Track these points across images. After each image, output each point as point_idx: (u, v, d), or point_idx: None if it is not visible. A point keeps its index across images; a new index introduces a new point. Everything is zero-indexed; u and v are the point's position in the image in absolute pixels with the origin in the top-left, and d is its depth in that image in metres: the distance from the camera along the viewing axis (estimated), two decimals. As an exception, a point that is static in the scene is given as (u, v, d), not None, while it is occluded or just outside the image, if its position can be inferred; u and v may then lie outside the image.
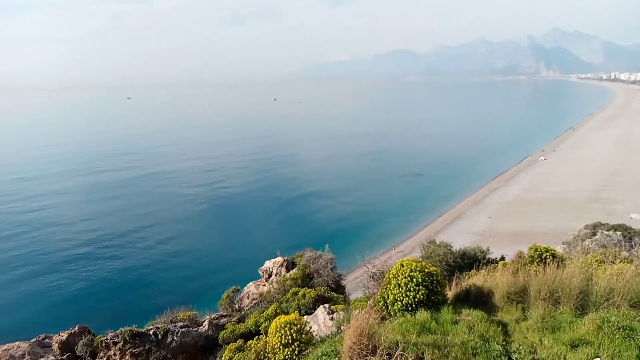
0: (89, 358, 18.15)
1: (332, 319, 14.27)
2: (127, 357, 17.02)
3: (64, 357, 18.17)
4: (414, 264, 10.57)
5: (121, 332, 17.23)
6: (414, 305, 9.92)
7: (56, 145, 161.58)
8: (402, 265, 10.66)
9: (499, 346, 8.00)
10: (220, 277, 49.71)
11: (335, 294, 19.33)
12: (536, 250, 12.45)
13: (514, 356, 7.69)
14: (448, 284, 12.38)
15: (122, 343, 17.14)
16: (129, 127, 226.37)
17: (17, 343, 39.52)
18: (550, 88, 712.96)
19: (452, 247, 18.05)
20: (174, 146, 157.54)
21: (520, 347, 8.02)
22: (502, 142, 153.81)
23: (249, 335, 16.58)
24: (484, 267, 14.41)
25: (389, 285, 10.51)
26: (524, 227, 63.80)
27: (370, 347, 7.79)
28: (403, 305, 9.99)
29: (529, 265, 11.71)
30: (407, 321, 9.30)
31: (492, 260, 17.76)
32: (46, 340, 38.98)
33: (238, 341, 15.67)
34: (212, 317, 19.03)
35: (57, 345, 18.67)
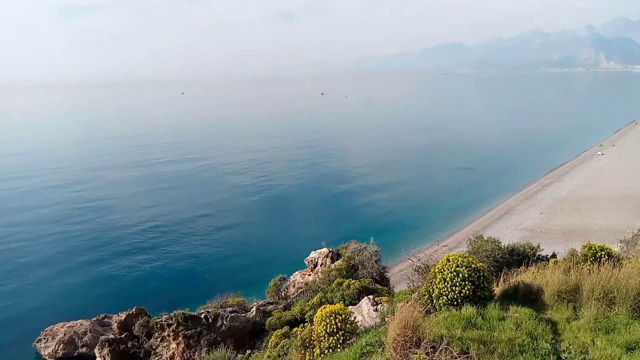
0: (144, 337, 19.25)
1: (376, 310, 14.40)
2: (180, 338, 17.92)
3: (122, 335, 19.35)
4: (460, 259, 10.50)
5: (175, 314, 18.14)
6: (459, 300, 9.87)
7: (120, 138, 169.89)
8: (448, 259, 10.62)
9: (548, 345, 7.84)
10: (267, 266, 51.10)
11: (379, 286, 19.43)
12: (590, 248, 12.00)
13: (563, 355, 7.53)
14: (495, 280, 12.19)
15: (175, 325, 18.05)
16: (185, 121, 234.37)
17: (80, 321, 42.49)
18: (611, 80, 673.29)
19: (500, 242, 17.64)
20: (226, 139, 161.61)
21: (571, 347, 7.83)
22: (556, 137, 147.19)
23: (294, 323, 17.02)
24: (534, 265, 14.01)
25: (434, 280, 10.50)
26: (577, 224, 61.03)
27: (414, 339, 7.86)
28: (448, 299, 9.97)
29: (582, 263, 11.32)
30: (452, 316, 9.28)
31: (543, 257, 17.22)
32: (106, 319, 41.65)
33: (284, 328, 16.13)
34: (259, 304, 19.66)
35: (116, 324, 19.91)
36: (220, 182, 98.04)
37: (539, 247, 18.04)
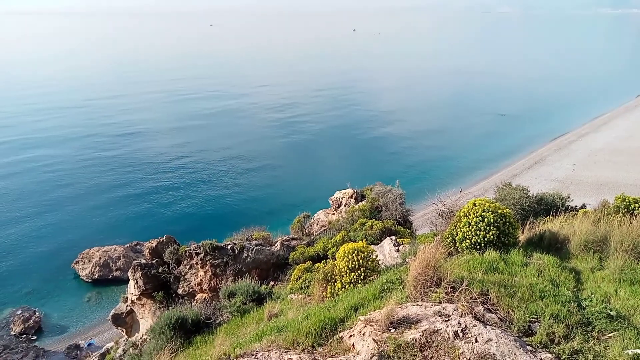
0: (174, 264, 20.26)
1: (397, 250, 14.61)
2: (207, 267, 18.77)
3: (153, 261, 20.39)
4: (486, 204, 10.38)
5: (203, 244, 18.90)
6: (482, 245, 9.87)
7: (148, 71, 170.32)
8: (474, 204, 10.52)
9: (569, 292, 7.83)
10: (292, 204, 52.35)
11: (402, 228, 19.61)
12: (623, 200, 11.63)
13: (584, 303, 7.53)
14: (521, 227, 12.07)
15: (203, 254, 18.86)
16: (214, 56, 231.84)
17: (114, 247, 44.97)
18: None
19: (528, 191, 17.32)
20: (255, 76, 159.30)
21: (593, 296, 7.80)
22: (597, 85, 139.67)
23: (317, 258, 17.53)
24: (562, 214, 13.75)
25: (459, 223, 10.48)
26: (612, 177, 59.22)
27: (435, 279, 7.98)
28: (471, 243, 9.97)
29: (614, 215, 11.05)
30: (474, 259, 9.32)
31: (572, 208, 16.87)
32: (138, 246, 43.89)
33: (307, 262, 16.64)
34: (283, 239, 20.24)
35: (147, 250, 20.92)
36: (248, 120, 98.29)
37: (568, 197, 17.63)
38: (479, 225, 9.95)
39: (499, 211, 10.22)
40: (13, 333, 36.08)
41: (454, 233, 10.47)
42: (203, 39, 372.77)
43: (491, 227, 9.90)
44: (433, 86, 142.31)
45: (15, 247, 47.05)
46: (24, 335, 35.92)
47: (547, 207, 16.47)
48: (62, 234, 49.78)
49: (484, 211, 10.14)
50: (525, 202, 16.60)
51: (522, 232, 11.92)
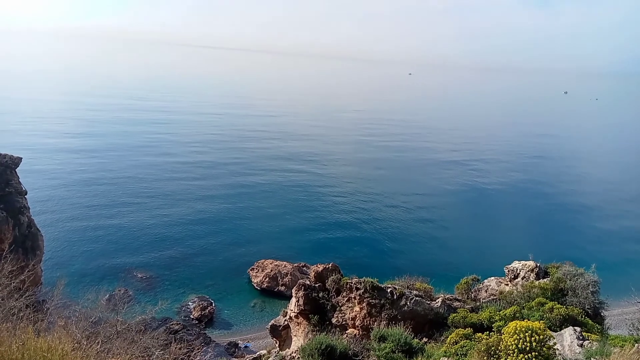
0: (333, 293, 20.87)
1: (581, 345, 12.44)
2: (364, 304, 18.84)
3: (316, 285, 21.33)
4: None
5: (364, 281, 19.10)
6: None
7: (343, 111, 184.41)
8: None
9: None
10: (461, 262, 49.88)
11: (590, 321, 16.70)
12: None
13: None
14: None
15: (362, 290, 19.03)
16: (410, 103, 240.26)
17: (284, 263, 48.76)
18: None
19: None
20: (449, 131, 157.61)
21: None
22: None
23: (479, 327, 16.08)
24: None
25: (675, 334, 8.44)
26: None
27: (631, 392, 6.53)
28: (692, 364, 7.90)
29: None
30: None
31: None
32: (304, 268, 46.69)
33: (467, 329, 15.39)
34: (446, 297, 19.15)
35: (313, 274, 22.01)
36: (434, 174, 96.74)
37: None
38: None
39: None
40: (192, 317, 41.65)
41: (667, 344, 8.45)
42: (403, 86, 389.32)
43: None
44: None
45: (212, 244, 54.99)
46: (199, 322, 41.12)
47: None
48: (247, 241, 56.33)
49: None
50: None
51: None
